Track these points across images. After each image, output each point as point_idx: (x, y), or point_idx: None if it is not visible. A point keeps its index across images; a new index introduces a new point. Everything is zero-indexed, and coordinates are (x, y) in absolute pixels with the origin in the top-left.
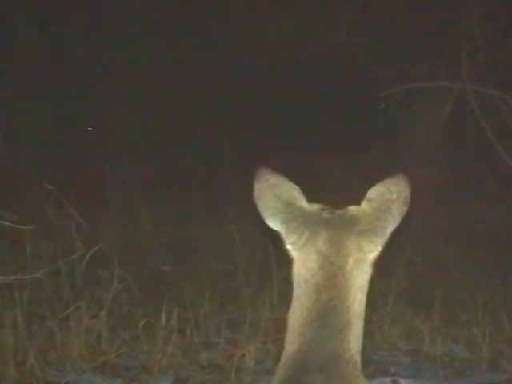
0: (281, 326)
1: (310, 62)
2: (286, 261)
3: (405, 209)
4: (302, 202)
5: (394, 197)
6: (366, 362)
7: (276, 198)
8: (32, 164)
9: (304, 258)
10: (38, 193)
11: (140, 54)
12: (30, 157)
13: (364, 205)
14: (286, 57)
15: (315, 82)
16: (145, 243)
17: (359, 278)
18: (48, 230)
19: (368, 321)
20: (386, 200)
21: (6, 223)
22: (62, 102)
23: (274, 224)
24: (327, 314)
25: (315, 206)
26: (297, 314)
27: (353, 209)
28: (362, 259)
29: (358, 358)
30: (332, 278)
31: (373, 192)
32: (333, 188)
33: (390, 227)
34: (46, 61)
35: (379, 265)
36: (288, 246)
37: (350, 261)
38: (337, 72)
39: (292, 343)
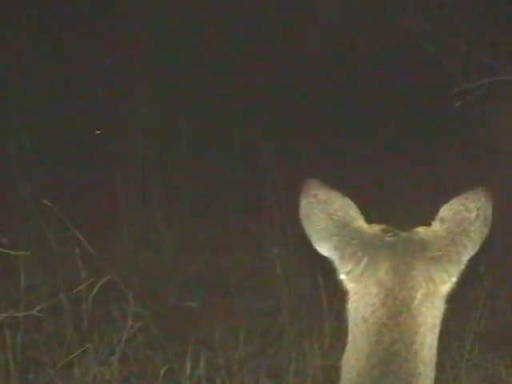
0: (333, 375)
1: (370, 53)
2: (339, 295)
3: (486, 230)
4: (360, 223)
5: (473, 216)
6: None
7: (328, 218)
8: (27, 176)
9: (362, 292)
10: (35, 211)
11: (163, 46)
12: (25, 167)
13: (435, 226)
14: (342, 47)
15: (376, 77)
16: (166, 273)
17: (429, 316)
18: (47, 257)
19: (440, 368)
20: (463, 220)
21: None
22: (63, 102)
23: (324, 249)
24: (390, 360)
25: (376, 228)
26: (353, 360)
27: (421, 231)
28: (433, 292)
29: None
30: (396, 315)
31: (446, 210)
32: (397, 205)
33: (468, 253)
34: (46, 61)
35: (454, 300)
36: (342, 277)
37: (419, 295)
38: (402, 64)
39: None
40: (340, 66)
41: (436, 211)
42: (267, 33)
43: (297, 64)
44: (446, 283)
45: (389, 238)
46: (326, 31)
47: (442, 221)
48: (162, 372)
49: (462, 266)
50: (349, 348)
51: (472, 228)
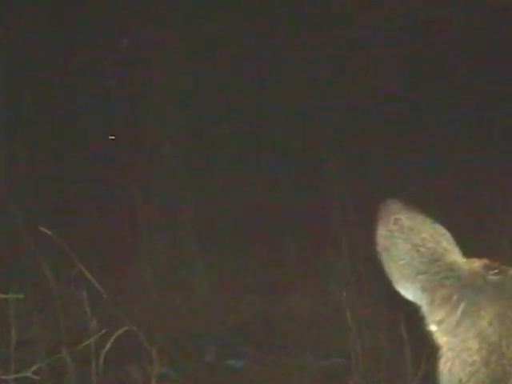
0: None
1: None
2: (427, 351)
3: None
4: (455, 256)
5: None
6: None
7: (413, 250)
8: (19, 195)
9: (459, 347)
10: (29, 240)
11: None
12: (17, 184)
13: None
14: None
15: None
16: (200, 322)
17: None
18: (45, 301)
19: None
20: None
21: None
22: (66, 100)
23: (409, 292)
24: None
25: (476, 263)
26: None
27: None
28: None
29: None
30: (503, 378)
31: None
32: (504, 234)
33: None
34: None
35: None
36: (432, 328)
37: None
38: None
39: None
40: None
41: None
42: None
43: (363, 56)
44: None
45: (493, 277)
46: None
47: None
48: None
49: None
50: None
51: None
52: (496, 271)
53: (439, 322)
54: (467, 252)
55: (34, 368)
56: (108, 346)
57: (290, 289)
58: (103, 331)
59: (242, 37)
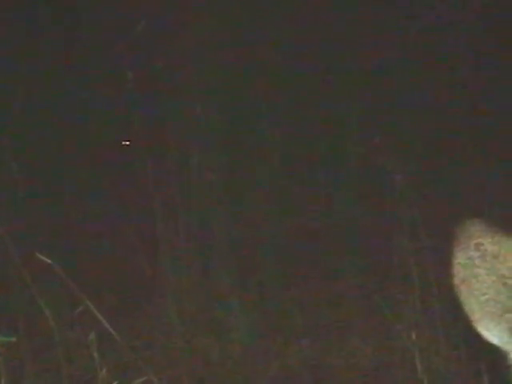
0: None
1: None
2: None
3: None
4: None
5: None
6: None
7: (498, 283)
8: (10, 214)
9: None
10: (23, 271)
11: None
12: (8, 200)
13: None
14: None
15: None
16: (237, 373)
17: None
18: (43, 346)
19: None
20: None
21: None
22: (68, 97)
23: (493, 333)
24: None
25: None
26: None
27: None
28: None
29: None
30: None
31: None
32: None
33: None
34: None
35: None
36: None
37: None
38: None
39: None
40: None
41: None
42: None
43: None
44: None
45: None
46: None
47: None
48: None
49: None
50: None
51: None
52: None
53: None
54: None
55: None
56: None
57: (347, 331)
58: (115, 383)
59: (289, 16)
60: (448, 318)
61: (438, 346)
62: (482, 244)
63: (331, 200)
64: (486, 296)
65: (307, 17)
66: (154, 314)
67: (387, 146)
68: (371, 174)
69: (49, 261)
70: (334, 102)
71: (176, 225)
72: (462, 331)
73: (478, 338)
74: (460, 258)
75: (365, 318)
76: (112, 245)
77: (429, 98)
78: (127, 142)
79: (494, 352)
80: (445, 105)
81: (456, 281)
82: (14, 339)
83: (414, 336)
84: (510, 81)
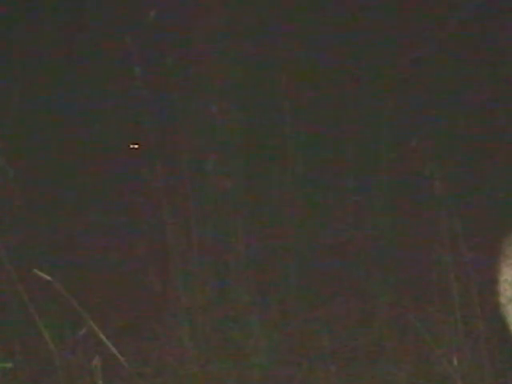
0: None
1: None
2: None
3: None
4: None
5: None
6: None
7: None
8: (6, 226)
9: None
10: (20, 290)
11: None
12: (4, 211)
13: None
14: None
15: None
16: None
17: None
18: (42, 372)
19: None
20: None
21: None
22: (66, 99)
23: None
24: None
25: None
26: None
27: None
28: None
29: None
30: None
31: None
32: None
33: None
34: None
35: None
36: None
37: None
38: None
39: None
40: None
41: None
42: None
43: None
44: None
45: None
46: None
47: None
48: None
49: None
50: None
51: None
52: None
53: None
54: None
55: None
56: None
57: (379, 355)
58: None
59: (316, 3)
60: (493, 340)
61: (483, 373)
62: None
63: (361, 209)
64: None
65: (335, 5)
66: (165, 336)
67: (424, 149)
68: (406, 180)
69: (48, 277)
70: (365, 100)
71: (189, 237)
72: (509, 356)
73: None
74: (507, 275)
75: (399, 340)
76: (118, 259)
77: (470, 95)
78: (135, 146)
79: None
80: (488, 103)
81: (502, 299)
82: (10, 365)
83: (455, 361)
84: None
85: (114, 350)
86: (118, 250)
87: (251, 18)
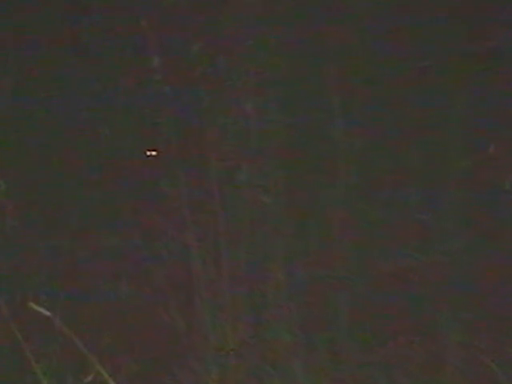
0: None
1: None
2: None
3: None
4: None
5: None
6: None
7: None
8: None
9: None
10: (13, 327)
11: None
12: None
13: None
14: None
15: None
16: None
17: None
18: None
19: None
20: None
21: None
22: (67, 98)
23: None
24: None
25: None
26: None
27: None
28: None
29: None
30: None
31: None
32: None
33: None
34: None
35: None
36: None
37: None
38: None
39: None
40: None
41: None
42: None
43: None
44: None
45: None
46: None
47: None
48: None
49: None
50: None
51: None
52: None
53: None
54: None
55: None
56: None
57: None
58: None
59: None
60: None
61: None
62: None
63: (427, 230)
64: None
65: None
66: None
67: (504, 156)
68: (482, 193)
69: (47, 313)
70: (432, 99)
71: (218, 263)
72: None
73: None
74: None
75: None
76: (132, 290)
77: None
78: (153, 152)
79: None
80: None
81: None
82: None
83: None
84: None
85: None
86: (132, 279)
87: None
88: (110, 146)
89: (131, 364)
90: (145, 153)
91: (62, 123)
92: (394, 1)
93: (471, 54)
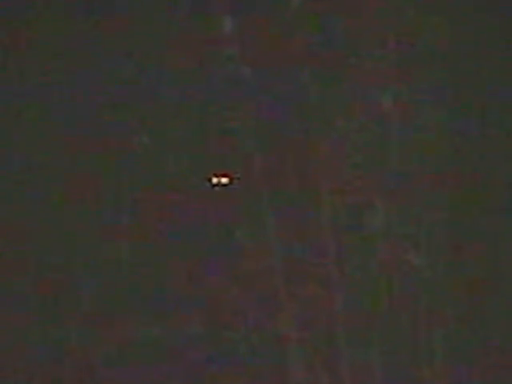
0: None
1: None
2: None
3: None
4: None
5: None
6: None
7: None
8: None
9: None
10: None
11: None
12: None
13: None
14: None
15: None
16: None
17: None
18: None
19: None
20: None
21: None
22: (67, 96)
23: None
24: None
25: None
26: None
27: None
28: None
29: None
30: None
31: None
32: None
33: None
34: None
35: None
36: None
37: None
38: None
39: None
40: None
41: None
42: None
43: None
44: None
45: None
46: None
47: None
48: None
49: None
50: None
51: None
52: None
53: None
54: None
55: None
56: None
57: None
58: None
59: None
60: None
61: None
62: None
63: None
64: None
65: None
66: None
67: None
68: None
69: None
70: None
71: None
72: None
73: None
74: None
75: None
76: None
77: None
78: (223, 180)
79: None
80: None
81: None
82: None
83: None
84: None
85: None
86: (136, 316)
87: None
88: (171, 175)
89: None
90: (209, 180)
91: (66, 125)
92: None
93: None
